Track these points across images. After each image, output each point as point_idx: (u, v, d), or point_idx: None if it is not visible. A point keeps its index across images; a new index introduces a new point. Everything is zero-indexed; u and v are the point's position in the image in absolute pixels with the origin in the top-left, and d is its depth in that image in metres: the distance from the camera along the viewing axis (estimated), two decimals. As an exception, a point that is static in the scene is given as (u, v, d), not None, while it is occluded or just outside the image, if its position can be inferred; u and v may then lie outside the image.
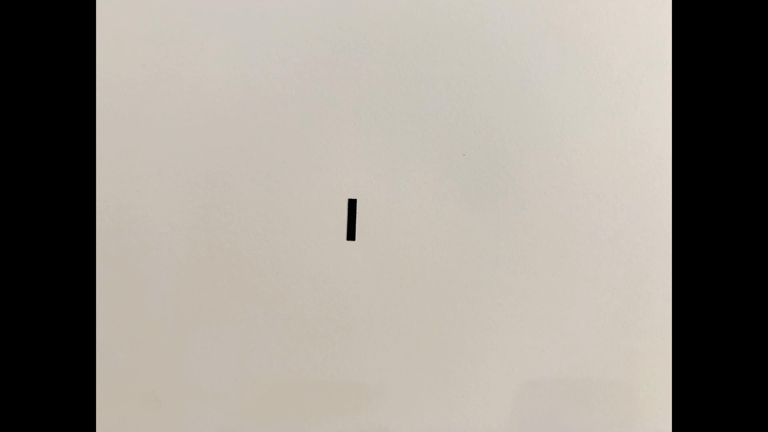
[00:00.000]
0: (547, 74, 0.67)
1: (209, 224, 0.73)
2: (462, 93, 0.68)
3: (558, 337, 0.74)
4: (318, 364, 0.76)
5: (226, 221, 0.72)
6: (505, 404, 0.77)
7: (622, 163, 0.69)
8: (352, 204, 0.68)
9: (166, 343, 0.76)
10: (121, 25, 0.67)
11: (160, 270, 0.74)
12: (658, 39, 0.66)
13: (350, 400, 0.77)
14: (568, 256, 0.72)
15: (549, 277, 0.73)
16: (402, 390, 0.77)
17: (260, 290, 0.74)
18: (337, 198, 0.71)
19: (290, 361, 0.77)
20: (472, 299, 0.74)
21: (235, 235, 0.73)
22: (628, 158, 0.69)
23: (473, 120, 0.69)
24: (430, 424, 0.78)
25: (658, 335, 0.74)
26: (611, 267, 0.72)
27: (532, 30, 0.66)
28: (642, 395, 0.76)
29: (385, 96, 0.68)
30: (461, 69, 0.67)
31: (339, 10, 0.66)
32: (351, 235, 0.69)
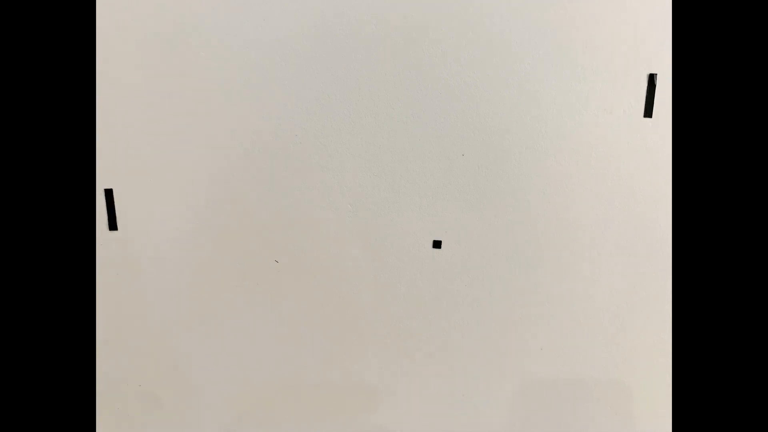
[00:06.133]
0: (546, 74, 0.67)
1: (209, 224, 0.73)
2: (462, 93, 0.68)
3: (557, 336, 0.74)
4: (318, 364, 0.77)
5: (226, 221, 0.72)
6: (505, 404, 0.77)
7: (622, 163, 0.69)
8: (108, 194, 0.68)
9: (167, 343, 0.76)
10: (121, 25, 0.67)
11: (160, 270, 0.74)
12: (658, 39, 0.66)
13: (351, 400, 0.77)
14: (567, 255, 0.72)
15: (548, 276, 0.73)
16: (402, 390, 0.77)
17: (261, 290, 0.74)
18: (337, 198, 0.71)
19: (291, 361, 0.77)
20: (472, 299, 0.74)
21: (235, 235, 0.73)
22: (628, 158, 0.69)
23: (473, 120, 0.69)
24: (430, 423, 0.78)
25: (658, 335, 0.74)
26: (611, 267, 0.72)
27: (532, 30, 0.66)
28: (642, 395, 0.76)
29: (385, 96, 0.69)
30: (461, 69, 0.67)
31: (339, 10, 0.66)
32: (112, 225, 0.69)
